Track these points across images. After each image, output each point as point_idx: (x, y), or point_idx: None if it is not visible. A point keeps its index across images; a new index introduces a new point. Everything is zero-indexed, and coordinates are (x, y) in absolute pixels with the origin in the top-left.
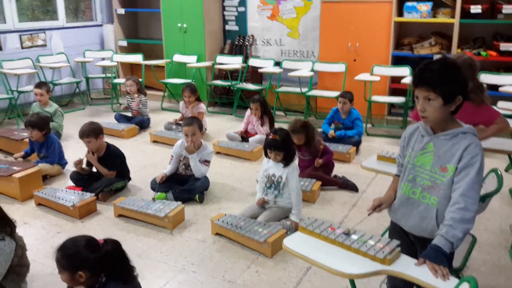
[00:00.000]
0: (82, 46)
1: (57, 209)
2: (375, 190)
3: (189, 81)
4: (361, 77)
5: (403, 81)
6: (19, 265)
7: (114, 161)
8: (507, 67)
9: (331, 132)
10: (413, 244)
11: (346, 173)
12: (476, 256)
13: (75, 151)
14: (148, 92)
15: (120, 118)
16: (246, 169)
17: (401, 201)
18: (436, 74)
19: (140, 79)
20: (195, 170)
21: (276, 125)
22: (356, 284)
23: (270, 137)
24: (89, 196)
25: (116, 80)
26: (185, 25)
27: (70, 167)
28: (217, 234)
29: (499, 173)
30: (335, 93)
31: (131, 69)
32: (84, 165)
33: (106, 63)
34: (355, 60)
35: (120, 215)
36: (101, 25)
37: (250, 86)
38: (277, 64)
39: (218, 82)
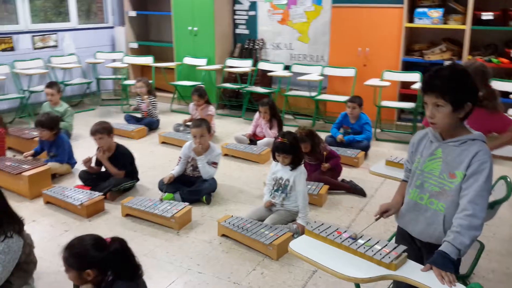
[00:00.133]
0: (93, 47)
1: (65, 207)
2: (383, 195)
3: (198, 83)
4: (371, 82)
5: (413, 86)
6: (27, 262)
7: (124, 160)
8: None
9: (339, 137)
10: (420, 250)
11: (354, 178)
12: (484, 263)
13: (84, 150)
14: (158, 94)
15: (130, 119)
16: (253, 171)
17: (409, 207)
18: (446, 80)
19: (150, 81)
20: (203, 172)
21: (285, 129)
22: None
23: (279, 140)
24: (97, 195)
25: (127, 82)
26: (195, 28)
27: (79, 167)
28: (223, 235)
29: (509, 180)
30: (344, 98)
31: (142, 71)
32: (93, 164)
33: (117, 64)
34: (365, 65)
35: (127, 215)
36: (112, 27)
37: (259, 90)
38: (287, 68)
39: (228, 85)
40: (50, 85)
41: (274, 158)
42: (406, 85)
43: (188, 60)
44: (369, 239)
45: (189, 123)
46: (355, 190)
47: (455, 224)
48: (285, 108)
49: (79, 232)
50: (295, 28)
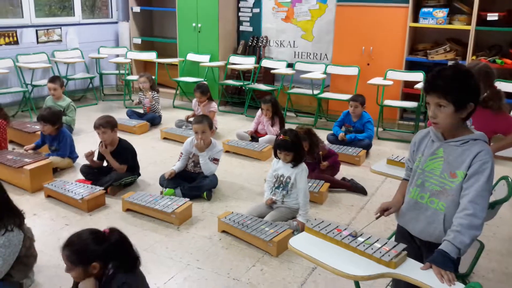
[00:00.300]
0: (97, 42)
1: (66, 201)
2: (383, 194)
3: (201, 80)
4: (374, 81)
5: (417, 86)
6: (27, 256)
7: (126, 155)
8: None
9: (341, 135)
10: (419, 249)
11: (355, 176)
12: (484, 263)
13: (86, 145)
14: (160, 89)
15: (132, 115)
16: (255, 168)
17: (409, 206)
18: (448, 81)
19: (153, 77)
20: (205, 168)
21: (287, 126)
22: (361, 286)
23: (280, 137)
24: (98, 189)
25: (129, 77)
26: (199, 25)
27: (81, 161)
28: (223, 231)
29: (510, 180)
30: (347, 96)
31: (145, 67)
32: (95, 158)
33: (120, 60)
34: (368, 64)
35: (128, 210)
36: (116, 22)
37: (262, 87)
38: (290, 65)
39: (230, 82)
40: (53, 80)
41: (276, 156)
42: (409, 84)
43: (191, 57)
44: (369, 237)
45: (191, 119)
46: (356, 188)
47: (456, 223)
48: (287, 106)
49: (80, 226)
50: (299, 26)
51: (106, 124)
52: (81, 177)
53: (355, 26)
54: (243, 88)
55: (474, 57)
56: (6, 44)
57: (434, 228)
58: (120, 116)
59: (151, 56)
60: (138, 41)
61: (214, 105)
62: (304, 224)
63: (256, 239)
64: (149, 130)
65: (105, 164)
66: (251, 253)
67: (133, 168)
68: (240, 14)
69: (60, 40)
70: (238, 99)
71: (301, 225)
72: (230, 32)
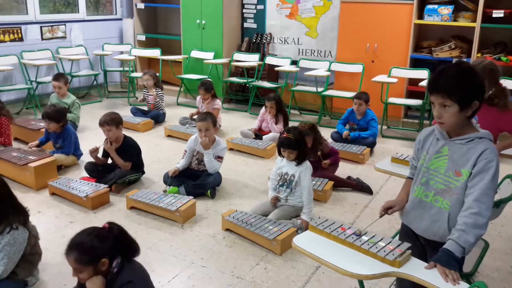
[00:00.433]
0: (101, 39)
1: (70, 199)
2: (387, 192)
3: (205, 77)
4: (378, 78)
5: (421, 84)
6: (32, 254)
7: (131, 152)
8: None
9: (345, 133)
10: (424, 248)
11: (359, 175)
12: (489, 262)
13: (90, 142)
14: (164, 87)
15: (136, 112)
16: (258, 166)
17: (413, 204)
18: (451, 80)
19: (157, 74)
20: (209, 166)
21: (290, 124)
22: (365, 285)
23: (284, 135)
24: (102, 187)
25: (134, 74)
26: (203, 22)
27: (85, 158)
28: (227, 230)
29: None
30: (351, 94)
31: (149, 64)
32: (100, 155)
33: (124, 56)
34: (373, 61)
35: (132, 207)
36: (120, 19)
37: (266, 84)
38: (294, 63)
39: (234, 79)
40: (57, 77)
41: (280, 154)
42: (414, 82)
43: (195, 54)
44: (373, 236)
45: (195, 117)
46: (362, 187)
47: (460, 222)
48: (291, 103)
49: (84, 224)
50: (304, 22)
51: (111, 122)
52: (85, 174)
53: (359, 23)
54: (247, 85)
55: (479, 55)
56: (11, 40)
57: (439, 227)
58: (124, 113)
59: (155, 53)
60: (142, 38)
61: (218, 102)
62: (308, 223)
63: (260, 238)
64: (153, 127)
65: (109, 161)
66: (255, 252)
67: (138, 166)
68: (244, 11)
69: (65, 37)
70: (242, 96)
71: (305, 224)
72: (234, 29)
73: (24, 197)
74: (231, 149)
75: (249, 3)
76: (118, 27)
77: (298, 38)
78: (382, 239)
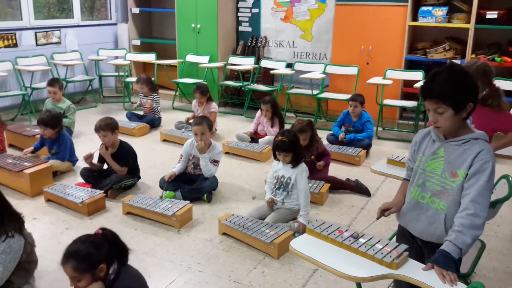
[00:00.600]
0: (96, 44)
1: (66, 205)
2: (384, 194)
3: (201, 81)
4: (373, 80)
5: (416, 85)
6: (28, 261)
7: (127, 157)
8: None
9: (341, 135)
10: (421, 249)
11: (355, 177)
12: (485, 262)
13: (86, 147)
14: (160, 91)
15: (132, 117)
16: (254, 169)
17: (410, 206)
18: (444, 85)
19: (153, 78)
20: (205, 170)
21: (286, 127)
22: (363, 287)
23: (278, 139)
24: (98, 193)
25: (129, 79)
26: (198, 26)
27: (81, 164)
28: (224, 234)
29: (510, 179)
30: (346, 96)
31: (144, 68)
32: (95, 161)
33: (119, 61)
34: (368, 63)
35: (128, 213)
36: (115, 24)
37: (261, 87)
38: (289, 66)
39: (230, 83)
40: (52, 83)
41: (275, 157)
42: (408, 83)
43: (190, 58)
44: (370, 238)
45: (191, 121)
46: (360, 189)
47: (457, 223)
48: (287, 106)
49: (80, 230)
50: (298, 26)
51: (106, 127)
52: (81, 180)
53: (354, 25)
54: (243, 88)
55: (473, 56)
56: (5, 47)
57: (435, 228)
58: (120, 118)
59: (150, 57)
60: (137, 42)
61: (214, 106)
62: (305, 226)
63: (257, 241)
64: (149, 132)
65: (105, 166)
66: (252, 255)
67: (134, 171)
68: (239, 14)
69: (59, 42)
70: (238, 100)
71: (302, 227)
72: (229, 32)
73: (20, 204)
74: (227, 153)
75: (244, 6)
76: (113, 32)
77: (293, 41)
78: (379, 241)
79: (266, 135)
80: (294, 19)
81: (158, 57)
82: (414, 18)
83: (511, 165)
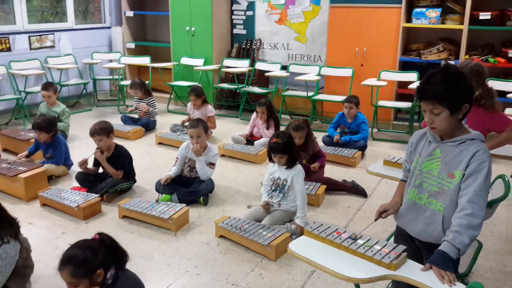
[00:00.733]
0: (90, 48)
1: (61, 209)
2: (380, 195)
3: (196, 83)
4: (368, 82)
5: (411, 86)
6: (24, 267)
7: (122, 161)
8: None
9: (336, 137)
10: (419, 250)
11: (351, 178)
12: (482, 262)
13: (81, 151)
14: (154, 94)
15: (126, 120)
16: (250, 172)
17: (407, 207)
18: (440, 86)
19: (147, 81)
20: (201, 173)
21: (282, 129)
22: None
23: (273, 141)
24: (93, 197)
25: (123, 82)
26: (193, 28)
27: (76, 168)
28: (221, 236)
29: (506, 179)
30: (341, 98)
31: (139, 71)
32: (91, 165)
33: (114, 65)
34: (362, 65)
35: (124, 217)
36: (109, 27)
37: (256, 90)
38: (284, 68)
39: (225, 85)
40: (46, 87)
41: (270, 159)
42: (403, 84)
43: (185, 60)
44: (369, 239)
45: (187, 124)
46: (357, 190)
47: (454, 223)
48: (282, 108)
49: (76, 234)
50: (293, 28)
51: (101, 131)
52: (76, 184)
53: (348, 27)
54: (238, 91)
55: (467, 56)
56: None
57: (433, 229)
58: (115, 121)
59: (145, 60)
60: (132, 45)
61: (211, 108)
62: (303, 227)
63: (254, 244)
64: (144, 135)
65: (100, 170)
66: (250, 258)
67: (129, 174)
68: (233, 17)
69: (53, 46)
70: (233, 102)
71: (299, 228)
72: (223, 35)
73: (15, 209)
74: (222, 155)
75: (238, 9)
76: (107, 36)
77: (288, 44)
78: (377, 242)
79: (261, 137)
80: (288, 21)
81: (152, 60)
82: (408, 19)
83: (507, 165)
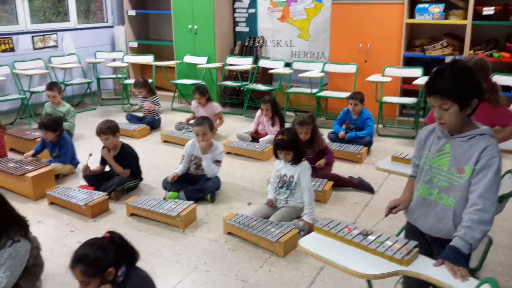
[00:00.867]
0: (93, 47)
1: (69, 208)
2: (387, 191)
3: (199, 81)
4: (372, 78)
5: (415, 82)
6: (34, 265)
7: (129, 159)
8: None
9: (341, 133)
10: (430, 245)
11: (358, 174)
12: (492, 257)
13: (86, 150)
14: (158, 92)
15: (131, 118)
16: (256, 169)
17: (418, 202)
18: (448, 81)
19: (151, 80)
20: (208, 170)
21: (286, 126)
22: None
23: (278, 137)
24: (101, 195)
25: (127, 81)
26: (195, 27)
27: (82, 167)
28: (229, 233)
29: None
30: (345, 94)
31: (142, 70)
32: (97, 164)
33: (117, 64)
34: (366, 61)
35: (132, 214)
36: (112, 27)
37: (260, 87)
38: (287, 65)
39: (228, 83)
40: (51, 87)
41: (276, 156)
42: (407, 80)
43: (188, 59)
44: (380, 235)
45: (192, 122)
46: (364, 186)
47: (466, 219)
48: (286, 105)
49: (85, 232)
50: (295, 25)
51: (107, 130)
52: (83, 182)
53: (351, 24)
54: (241, 88)
55: (471, 52)
56: (2, 51)
57: (444, 224)
58: (119, 120)
59: (148, 59)
60: (135, 44)
61: (217, 105)
62: (311, 224)
63: (263, 240)
64: (149, 133)
65: (107, 168)
66: (258, 254)
67: (136, 173)
68: (235, 14)
69: (56, 46)
70: (237, 100)
71: (307, 225)
72: (226, 33)
73: (23, 208)
74: (228, 153)
75: (241, 7)
76: (110, 35)
77: (291, 40)
78: (388, 238)
79: (266, 134)
80: (291, 18)
81: (155, 59)
82: (411, 15)
83: None
